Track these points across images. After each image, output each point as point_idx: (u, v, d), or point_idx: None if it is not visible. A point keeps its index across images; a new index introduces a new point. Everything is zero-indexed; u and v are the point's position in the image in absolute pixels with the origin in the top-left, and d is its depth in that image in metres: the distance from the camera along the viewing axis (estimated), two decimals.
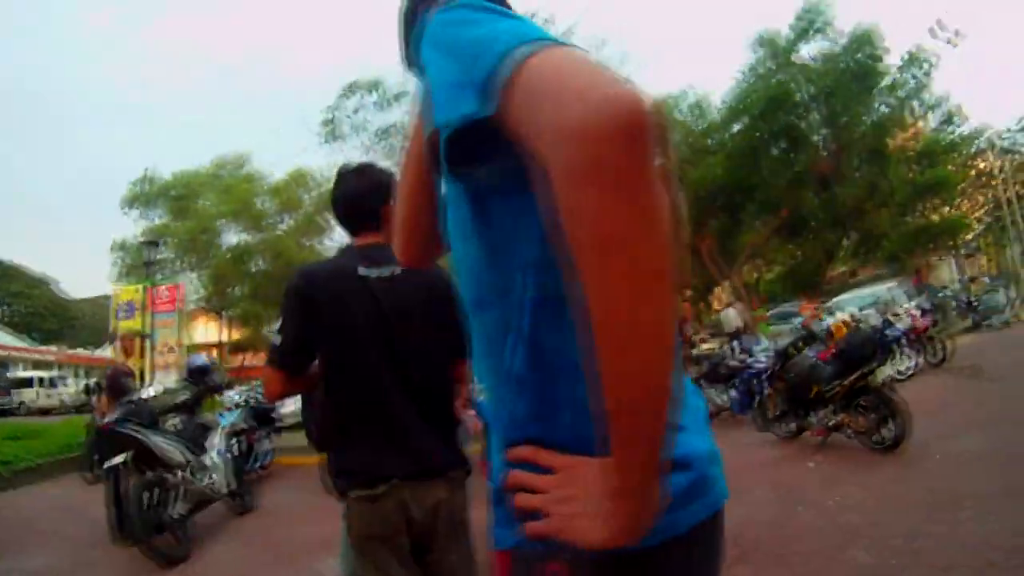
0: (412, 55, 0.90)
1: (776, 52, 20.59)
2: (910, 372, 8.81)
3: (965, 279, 27.29)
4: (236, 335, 21.76)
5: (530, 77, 0.55)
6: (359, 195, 1.89)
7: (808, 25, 20.15)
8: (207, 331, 23.18)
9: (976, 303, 15.71)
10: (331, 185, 2.01)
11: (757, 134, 20.45)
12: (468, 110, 0.59)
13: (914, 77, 20.60)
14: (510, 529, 0.72)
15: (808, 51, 20.44)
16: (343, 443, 1.76)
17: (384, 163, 10.56)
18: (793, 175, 20.17)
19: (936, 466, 4.49)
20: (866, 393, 5.24)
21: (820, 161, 20.45)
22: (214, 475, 4.88)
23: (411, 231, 1.03)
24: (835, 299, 15.10)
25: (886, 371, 5.33)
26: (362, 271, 1.78)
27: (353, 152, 12.59)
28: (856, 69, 19.55)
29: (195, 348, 15.77)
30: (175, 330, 10.08)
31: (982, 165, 28.96)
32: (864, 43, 19.38)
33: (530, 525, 0.68)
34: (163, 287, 10.57)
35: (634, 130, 0.49)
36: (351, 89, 12.17)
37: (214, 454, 5.08)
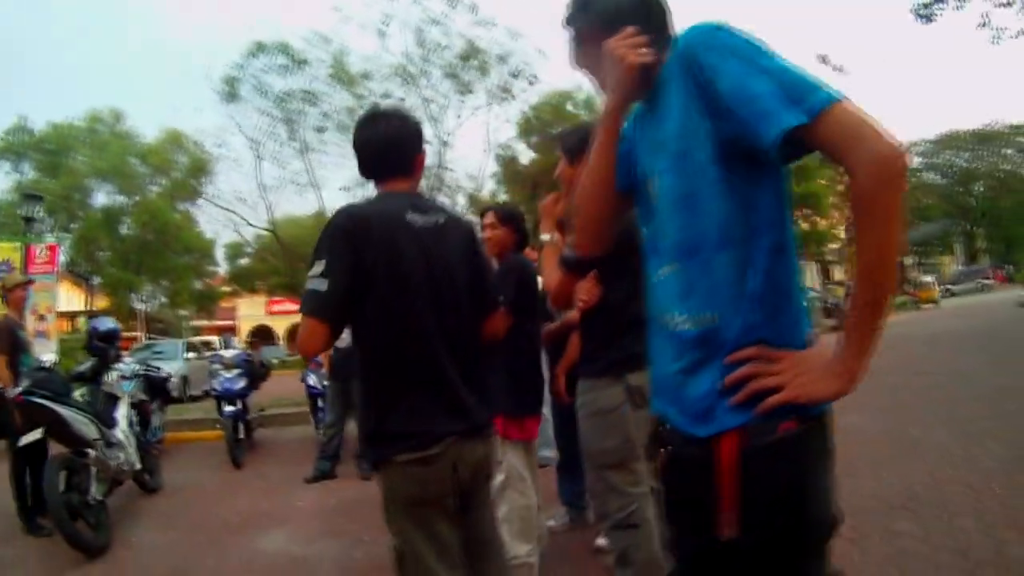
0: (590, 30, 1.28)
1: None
2: None
3: (829, 283, 30.75)
4: (101, 303, 19.86)
5: (839, 116, 0.96)
6: (400, 138, 1.81)
7: None
8: (69, 298, 20.95)
9: (841, 305, 17.78)
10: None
11: None
12: (798, 121, 0.97)
13: None
14: (733, 413, 1.05)
15: None
16: (388, 402, 1.65)
17: (282, 129, 10.20)
18: None
19: None
20: None
21: None
22: (124, 452, 4.53)
23: (599, 224, 1.39)
24: None
25: None
26: (410, 218, 1.71)
27: (251, 115, 11.96)
28: None
29: (60, 316, 14.29)
30: (52, 294, 8.99)
31: None
32: None
33: (768, 400, 1.01)
34: (42, 246, 9.35)
35: (906, 160, 0.96)
36: (259, 49, 11.47)
37: (123, 428, 4.72)
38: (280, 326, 40.55)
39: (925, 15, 9.25)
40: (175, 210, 17.50)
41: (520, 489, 2.69)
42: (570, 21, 1.34)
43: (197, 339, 18.51)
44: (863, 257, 0.98)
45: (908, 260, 38.39)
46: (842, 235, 34.30)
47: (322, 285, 1.59)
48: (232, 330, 36.15)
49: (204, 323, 35.61)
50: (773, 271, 1.06)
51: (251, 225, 13.14)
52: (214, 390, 6.98)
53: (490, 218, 3.13)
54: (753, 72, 1.01)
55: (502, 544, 1.94)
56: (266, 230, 13.16)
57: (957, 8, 9.26)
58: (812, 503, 1.04)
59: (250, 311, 40.64)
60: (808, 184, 23.64)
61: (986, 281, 34.79)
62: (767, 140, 0.98)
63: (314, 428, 7.40)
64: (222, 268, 26.62)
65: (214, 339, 21.68)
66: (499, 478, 2.59)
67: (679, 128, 1.12)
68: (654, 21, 1.24)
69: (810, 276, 32.73)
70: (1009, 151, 36.51)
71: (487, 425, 1.79)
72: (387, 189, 1.81)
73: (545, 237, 2.33)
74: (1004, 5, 9.23)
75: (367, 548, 3.71)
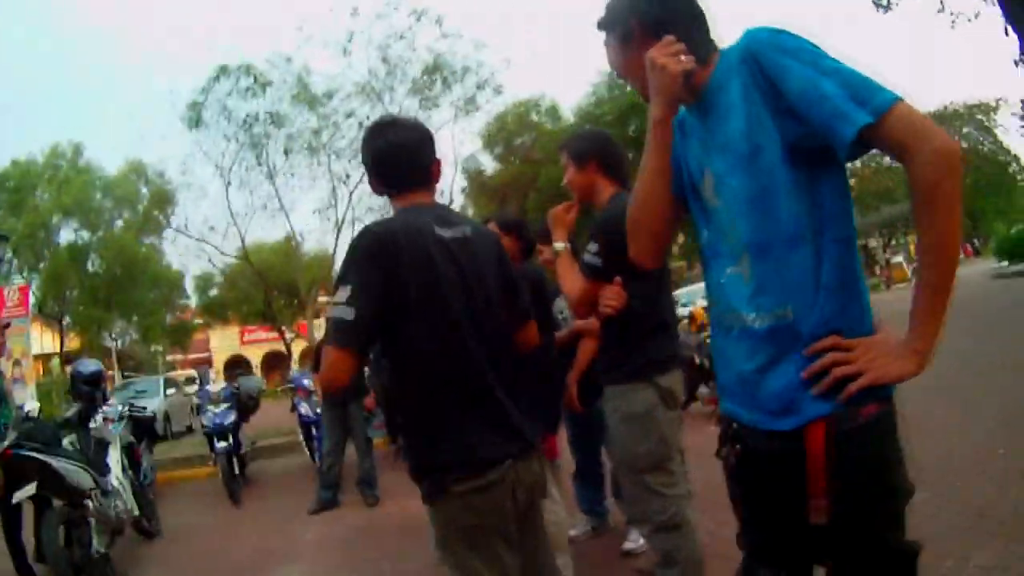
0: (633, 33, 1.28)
1: None
2: None
3: None
4: (73, 343, 19.15)
5: (901, 115, 1.02)
6: (415, 146, 1.72)
7: None
8: (41, 340, 20.19)
9: None
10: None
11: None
12: (865, 121, 1.02)
13: None
14: (817, 403, 1.09)
15: None
16: (437, 427, 1.55)
17: (247, 153, 9.99)
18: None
19: None
20: None
21: None
22: (120, 499, 4.33)
23: (658, 234, 1.43)
24: (677, 291, 16.53)
25: None
26: (439, 231, 1.61)
27: (217, 141, 11.65)
28: None
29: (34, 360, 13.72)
30: (25, 338, 8.60)
31: None
32: None
33: (851, 386, 1.06)
34: (12, 287, 8.92)
35: (960, 152, 1.04)
36: (223, 71, 11.18)
37: (117, 474, 4.51)
38: (255, 355, 39.87)
39: (884, 4, 9.51)
40: (141, 244, 17.05)
41: (547, 508, 2.65)
42: (606, 26, 1.33)
43: (179, 374, 17.94)
44: (927, 244, 1.06)
45: (874, 242, 39.30)
46: None
47: (348, 313, 1.47)
48: (207, 362, 35.37)
49: (179, 357, 34.78)
50: (842, 263, 1.12)
51: (223, 254, 12.84)
52: (204, 427, 6.76)
53: (491, 230, 3.02)
54: (819, 74, 1.06)
55: (556, 565, 1.87)
56: (238, 258, 12.82)
57: None
58: (897, 476, 1.12)
59: (223, 342, 39.91)
60: None
61: None
62: (842, 139, 1.04)
63: (310, 458, 7.22)
64: (192, 300, 26.01)
65: (194, 373, 21.20)
66: None
67: (745, 129, 1.15)
68: (697, 26, 1.25)
69: None
70: (967, 129, 37.46)
71: (538, 442, 1.71)
72: (406, 202, 1.69)
73: (559, 246, 2.29)
74: None
75: None
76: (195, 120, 11.34)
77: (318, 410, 6.78)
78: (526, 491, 1.61)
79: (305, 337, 39.64)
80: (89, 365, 5.05)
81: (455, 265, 1.59)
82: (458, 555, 1.56)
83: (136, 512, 4.50)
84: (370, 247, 1.55)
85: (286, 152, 11.78)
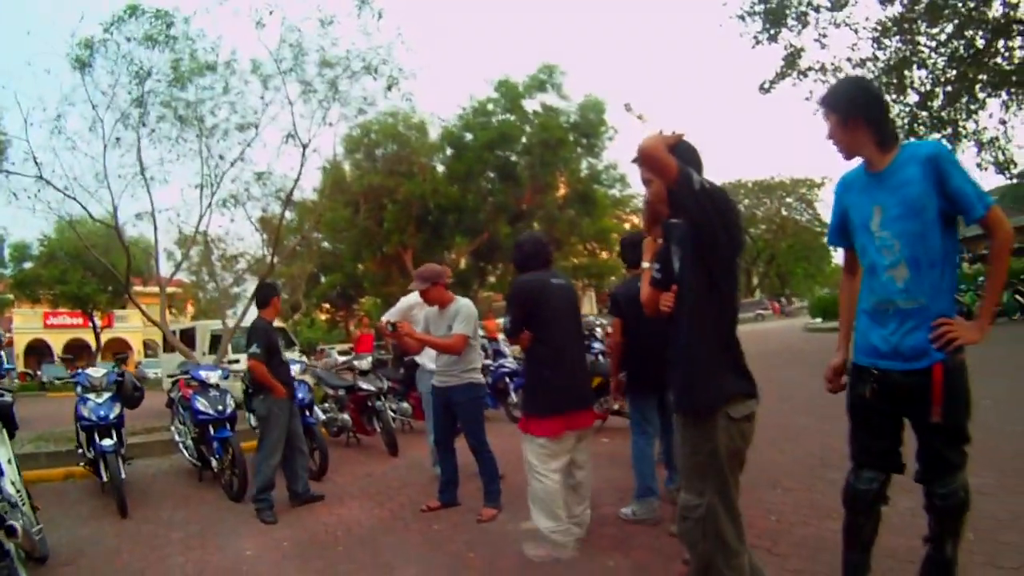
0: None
1: (511, 96, 21.77)
2: None
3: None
4: None
5: (995, 211, 1.97)
6: None
7: (546, 79, 21.80)
8: None
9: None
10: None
11: (476, 162, 21.39)
12: (981, 213, 1.97)
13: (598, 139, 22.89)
14: (938, 353, 1.96)
15: (538, 101, 22.12)
16: (728, 359, 2.09)
17: (131, 110, 8.28)
18: (494, 205, 21.77)
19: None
20: None
21: (521, 197, 22.15)
22: (23, 515, 3.31)
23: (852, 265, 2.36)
24: None
25: None
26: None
27: (97, 88, 9.52)
28: (584, 126, 22.07)
29: None
30: None
31: (637, 221, 35.76)
32: (594, 107, 21.92)
33: (953, 344, 1.95)
34: None
35: (1012, 230, 2.06)
36: (133, 12, 9.27)
37: (12, 479, 3.47)
38: (57, 341, 34.28)
39: (765, 88, 10.83)
40: None
41: (537, 477, 3.28)
42: (833, 107, 2.14)
43: None
44: (995, 279, 2.07)
45: None
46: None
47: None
48: (9, 343, 29.57)
49: None
50: (952, 278, 2.03)
51: (94, 219, 10.49)
52: (83, 419, 5.52)
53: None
54: (965, 181, 1.97)
55: None
56: (107, 225, 10.56)
57: (794, 85, 10.94)
58: (969, 394, 2.00)
59: (26, 323, 33.83)
60: (601, 220, 23.90)
61: (763, 312, 40.35)
62: (971, 218, 1.97)
63: (197, 461, 6.19)
64: (8, 270, 21.46)
65: None
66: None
67: (919, 196, 1.98)
68: (887, 122, 2.15)
69: (589, 304, 32.53)
70: (791, 200, 42.83)
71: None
72: None
73: (645, 265, 2.72)
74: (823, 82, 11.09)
75: None
76: (83, 62, 9.23)
77: (220, 407, 5.84)
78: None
79: (112, 328, 34.35)
80: None
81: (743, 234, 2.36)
82: (724, 478, 2.02)
83: (32, 529, 3.48)
84: (724, 202, 2.10)
85: (179, 119, 10.01)
